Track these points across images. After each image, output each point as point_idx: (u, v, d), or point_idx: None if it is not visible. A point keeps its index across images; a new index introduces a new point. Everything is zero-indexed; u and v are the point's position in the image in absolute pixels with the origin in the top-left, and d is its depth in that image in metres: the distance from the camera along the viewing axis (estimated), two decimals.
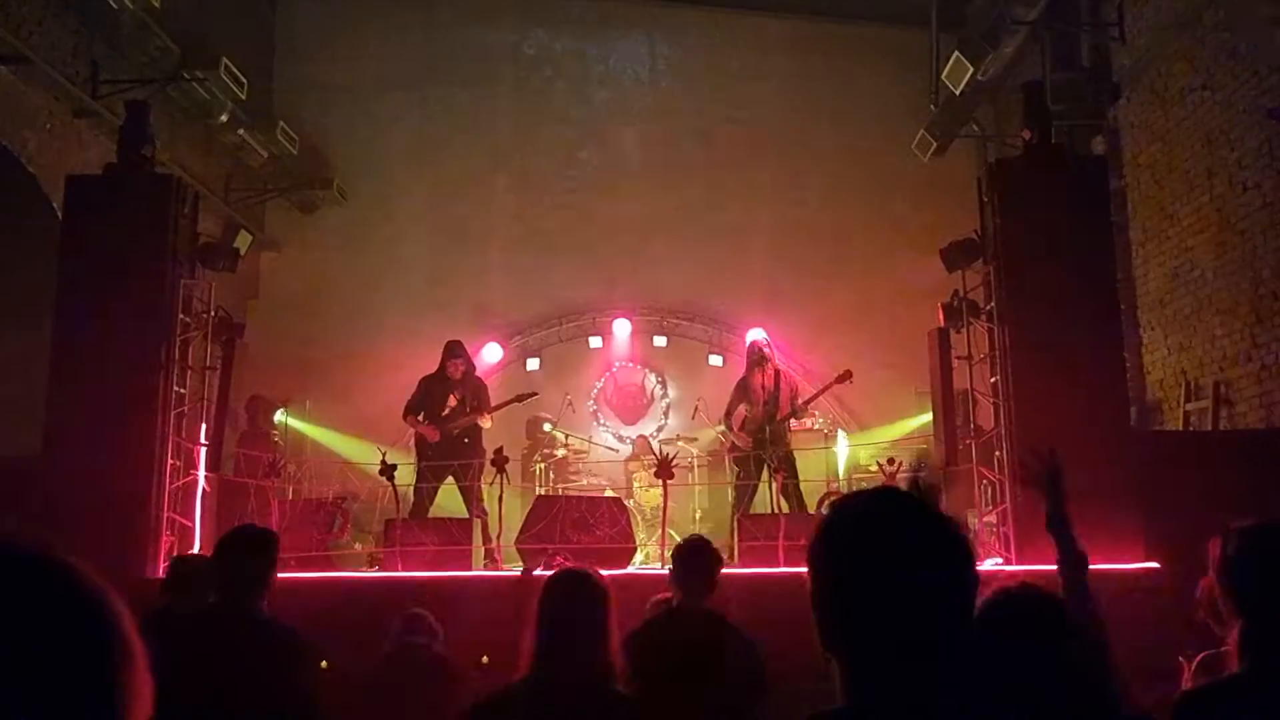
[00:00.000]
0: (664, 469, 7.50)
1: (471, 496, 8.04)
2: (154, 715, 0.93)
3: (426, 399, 8.34)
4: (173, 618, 3.52)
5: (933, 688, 1.30)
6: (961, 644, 1.32)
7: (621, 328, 12.73)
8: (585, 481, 10.62)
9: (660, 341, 12.82)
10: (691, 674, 3.66)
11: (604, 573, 3.00)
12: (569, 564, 6.55)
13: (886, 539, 1.32)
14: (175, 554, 5.16)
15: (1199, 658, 3.87)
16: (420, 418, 8.28)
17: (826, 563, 1.36)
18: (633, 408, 12.84)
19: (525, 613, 2.82)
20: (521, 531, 7.31)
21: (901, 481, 3.94)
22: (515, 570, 6.90)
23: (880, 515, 1.36)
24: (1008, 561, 6.64)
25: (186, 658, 3.14)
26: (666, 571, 6.42)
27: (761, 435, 8.09)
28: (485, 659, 5.36)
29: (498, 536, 7.47)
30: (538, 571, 6.66)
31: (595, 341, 12.84)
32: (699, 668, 3.67)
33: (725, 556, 7.84)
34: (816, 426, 10.84)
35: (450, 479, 8.12)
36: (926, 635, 1.29)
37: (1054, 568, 6.12)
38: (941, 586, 1.31)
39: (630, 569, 6.97)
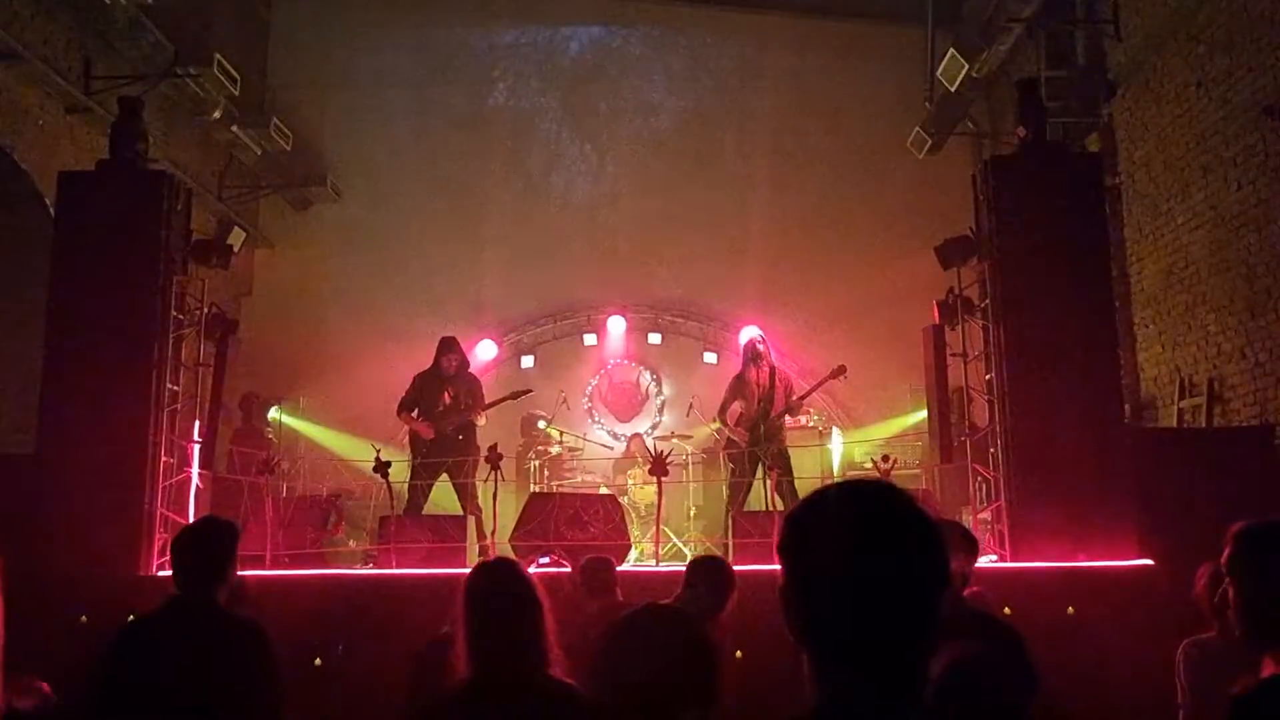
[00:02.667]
0: (658, 466, 7.48)
1: (466, 493, 8.03)
2: (120, 712, 0.94)
3: (421, 396, 8.33)
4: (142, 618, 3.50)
5: (903, 685, 1.26)
6: (934, 640, 1.28)
7: (616, 325, 12.73)
8: (580, 479, 10.61)
9: (655, 339, 12.81)
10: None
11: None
12: (563, 561, 6.57)
13: (846, 530, 1.30)
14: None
15: (1184, 644, 3.90)
16: (415, 414, 8.27)
17: (791, 554, 1.33)
18: (627, 405, 12.84)
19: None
20: (516, 528, 7.30)
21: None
22: None
23: (843, 507, 1.34)
24: (1002, 559, 6.64)
25: (149, 654, 3.14)
26: (664, 570, 6.42)
27: (756, 432, 8.08)
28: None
29: (492, 534, 7.46)
30: (532, 569, 6.65)
31: (590, 339, 12.83)
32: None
33: (719, 554, 7.88)
34: (811, 424, 10.83)
35: (445, 476, 8.11)
36: (890, 629, 1.25)
37: (1048, 564, 6.14)
38: (904, 579, 1.27)
39: (625, 566, 6.95)
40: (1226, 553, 2.23)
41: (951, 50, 10.14)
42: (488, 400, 8.52)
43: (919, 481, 9.91)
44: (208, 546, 3.39)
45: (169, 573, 3.49)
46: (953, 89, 10.46)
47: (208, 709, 3.03)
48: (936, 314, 7.65)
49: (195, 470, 7.37)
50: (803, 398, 8.36)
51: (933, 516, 1.34)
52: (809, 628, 1.30)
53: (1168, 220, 8.93)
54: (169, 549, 3.53)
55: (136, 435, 6.87)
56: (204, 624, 3.24)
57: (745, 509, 7.86)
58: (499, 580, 2.73)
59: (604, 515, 7.35)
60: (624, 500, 9.35)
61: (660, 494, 7.65)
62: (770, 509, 7.57)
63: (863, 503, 1.33)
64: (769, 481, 7.77)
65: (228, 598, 3.40)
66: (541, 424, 11.01)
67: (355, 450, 10.32)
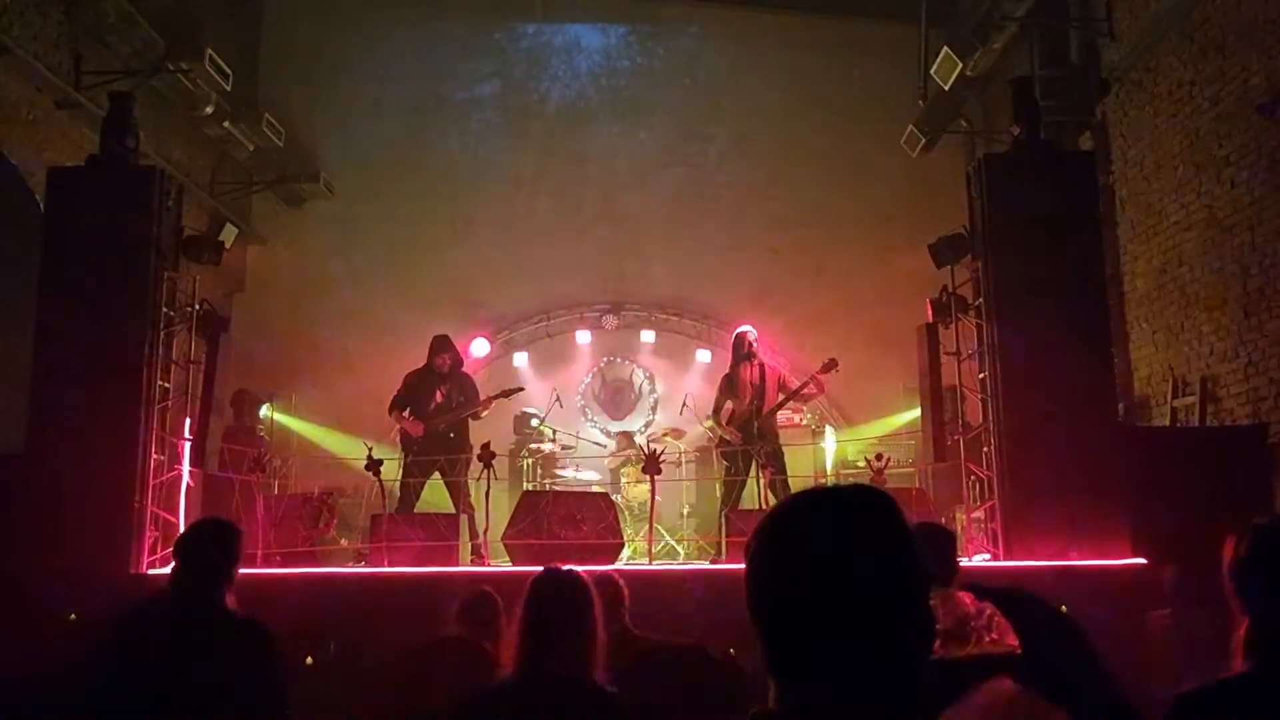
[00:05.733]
0: (651, 464, 7.48)
1: (458, 491, 8.01)
2: (124, 712, 0.91)
3: (413, 394, 8.31)
4: (143, 616, 3.49)
5: (866, 693, 1.19)
6: (911, 653, 1.22)
7: (609, 323, 12.71)
8: (573, 477, 10.59)
9: (648, 336, 12.80)
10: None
11: (588, 569, 3.04)
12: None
13: (817, 537, 1.25)
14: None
15: None
16: (406, 413, 8.25)
17: (755, 558, 1.28)
18: (620, 403, 12.82)
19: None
20: (508, 527, 7.29)
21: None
22: (503, 566, 6.87)
23: (816, 515, 1.28)
24: (995, 557, 6.65)
25: (152, 654, 3.14)
26: (657, 569, 6.39)
27: (749, 430, 8.07)
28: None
29: (484, 532, 7.45)
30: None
31: (583, 336, 12.81)
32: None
33: (713, 552, 7.89)
34: (804, 422, 10.84)
35: (437, 474, 8.09)
36: (864, 639, 1.20)
37: (1041, 563, 6.13)
38: (873, 587, 1.21)
39: (618, 565, 6.94)
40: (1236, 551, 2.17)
41: (945, 49, 10.14)
42: (480, 398, 8.51)
43: (912, 480, 9.91)
44: (212, 546, 3.42)
45: (163, 570, 3.48)
46: (946, 87, 10.46)
47: (212, 708, 3.03)
48: (930, 312, 7.66)
49: (186, 468, 7.34)
50: (794, 392, 8.36)
51: (907, 524, 1.28)
52: (769, 630, 1.25)
53: (1161, 219, 8.93)
54: (173, 550, 3.55)
55: (127, 432, 6.85)
56: (208, 623, 3.25)
57: (739, 507, 7.85)
58: (564, 588, 2.88)
59: (597, 513, 7.34)
60: (617, 498, 9.34)
61: (654, 492, 7.65)
62: (764, 507, 7.56)
63: (833, 508, 1.28)
64: (762, 480, 7.76)
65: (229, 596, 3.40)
66: (534, 422, 10.99)
67: (347, 448, 10.29)
